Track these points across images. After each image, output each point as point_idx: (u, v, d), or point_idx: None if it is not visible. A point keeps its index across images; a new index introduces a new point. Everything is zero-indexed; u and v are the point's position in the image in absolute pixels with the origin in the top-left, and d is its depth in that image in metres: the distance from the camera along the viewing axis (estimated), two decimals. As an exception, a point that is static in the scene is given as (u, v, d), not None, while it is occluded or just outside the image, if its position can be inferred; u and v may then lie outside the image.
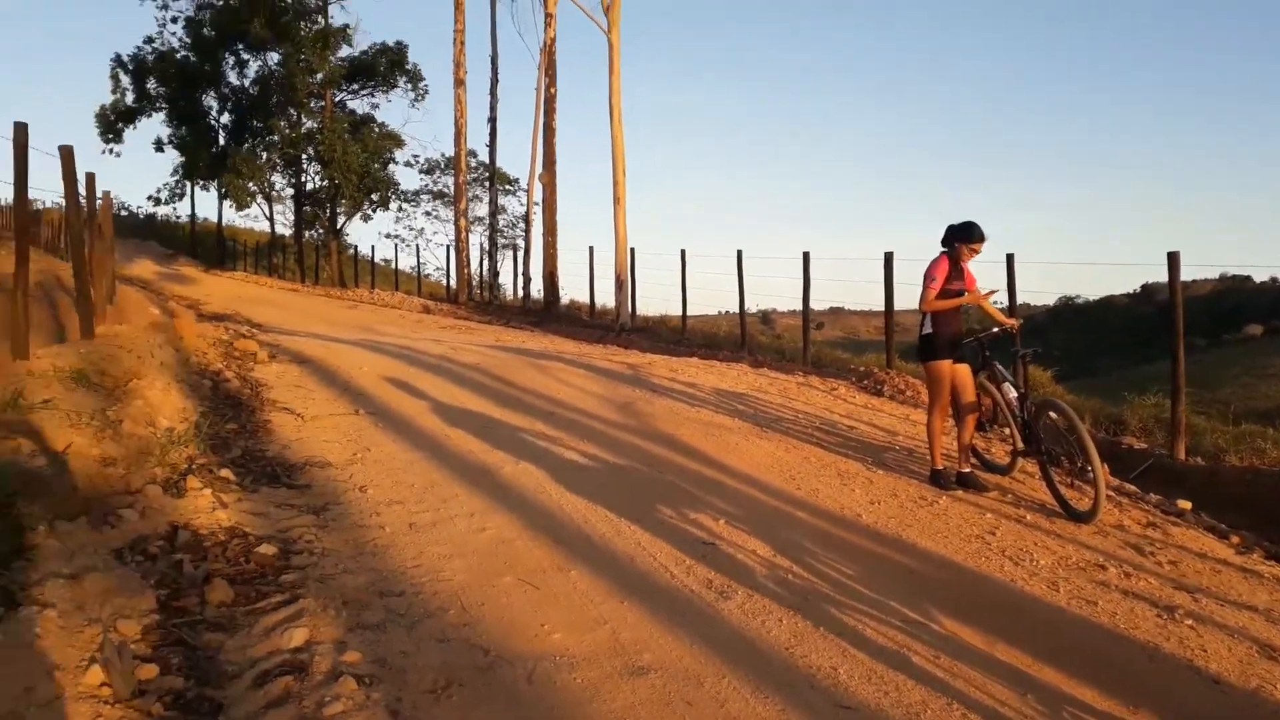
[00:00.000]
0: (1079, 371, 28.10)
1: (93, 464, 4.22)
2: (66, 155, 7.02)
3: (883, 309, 11.03)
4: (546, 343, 14.05)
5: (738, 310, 15.07)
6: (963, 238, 5.59)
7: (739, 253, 14.35)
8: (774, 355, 12.77)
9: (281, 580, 3.69)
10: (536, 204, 25.72)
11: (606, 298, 19.90)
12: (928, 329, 5.66)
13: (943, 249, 5.72)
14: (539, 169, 23.77)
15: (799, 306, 13.07)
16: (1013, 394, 5.55)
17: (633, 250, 18.74)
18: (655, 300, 32.55)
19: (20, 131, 5.79)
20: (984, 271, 7.56)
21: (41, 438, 4.53)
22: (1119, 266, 62.70)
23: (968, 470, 5.62)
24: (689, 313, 16.65)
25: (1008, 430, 5.75)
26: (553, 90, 22.35)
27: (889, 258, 10.81)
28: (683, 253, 16.13)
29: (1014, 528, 4.84)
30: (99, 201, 9.94)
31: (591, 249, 20.17)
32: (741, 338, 14.55)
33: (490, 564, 4.12)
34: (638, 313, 18.85)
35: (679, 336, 15.94)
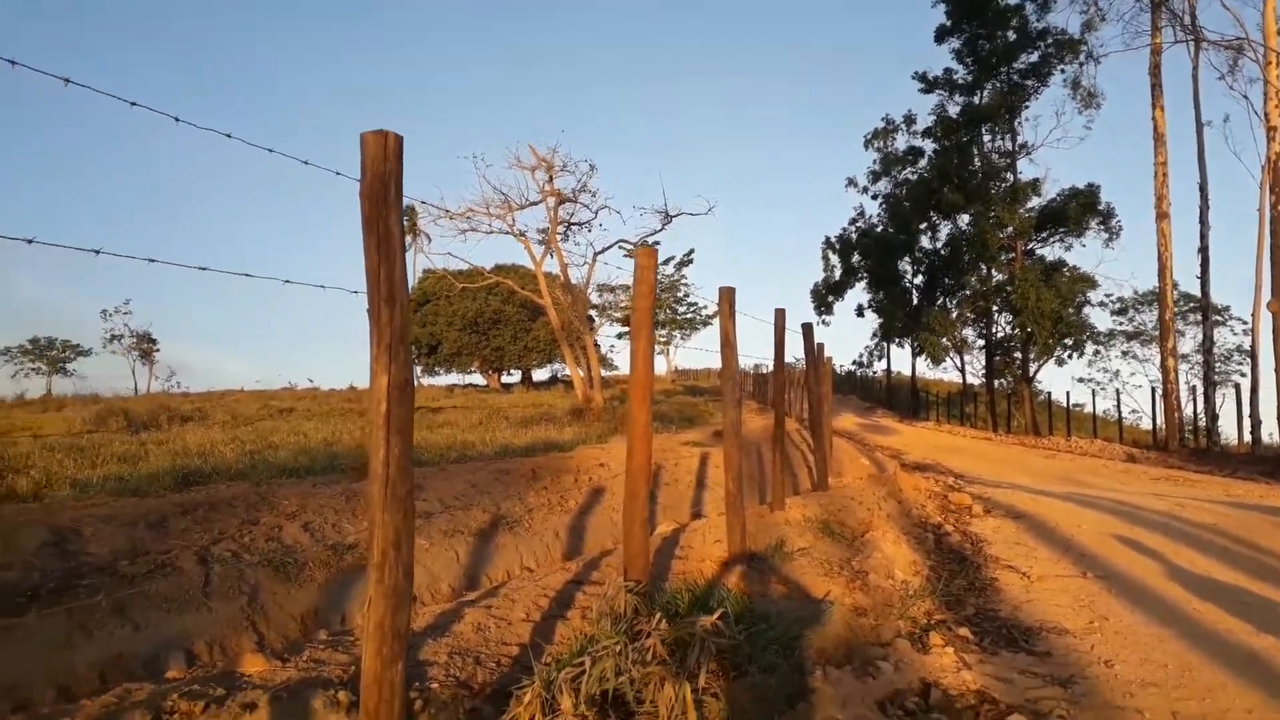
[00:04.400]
0: None
1: (848, 612, 4.56)
2: (807, 330, 8.16)
3: None
4: (1294, 498, 11.46)
5: None
6: None
7: None
8: None
9: (1040, 760, 3.44)
10: (1262, 335, 22.16)
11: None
12: None
13: None
14: (1265, 296, 20.63)
15: None
16: None
17: None
18: None
19: (779, 316, 6.90)
20: None
21: (803, 584, 5.08)
22: None
23: None
24: None
25: None
26: (1280, 208, 19.45)
27: None
28: None
29: None
30: (824, 366, 11.31)
31: (1352, 383, 16.40)
32: None
33: (1289, 778, 3.30)
34: None
35: None
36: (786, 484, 8.55)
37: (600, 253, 25.94)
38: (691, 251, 54.23)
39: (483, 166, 52.77)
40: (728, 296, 6.03)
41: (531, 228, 26.99)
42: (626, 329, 53.24)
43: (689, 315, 57.69)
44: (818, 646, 4.04)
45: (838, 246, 40.20)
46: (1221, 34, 25.00)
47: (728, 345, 6.06)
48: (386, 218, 2.50)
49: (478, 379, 52.46)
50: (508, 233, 24.90)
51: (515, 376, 52.41)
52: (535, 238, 25.76)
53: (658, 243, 28.34)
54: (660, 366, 63.38)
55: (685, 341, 59.73)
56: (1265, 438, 21.55)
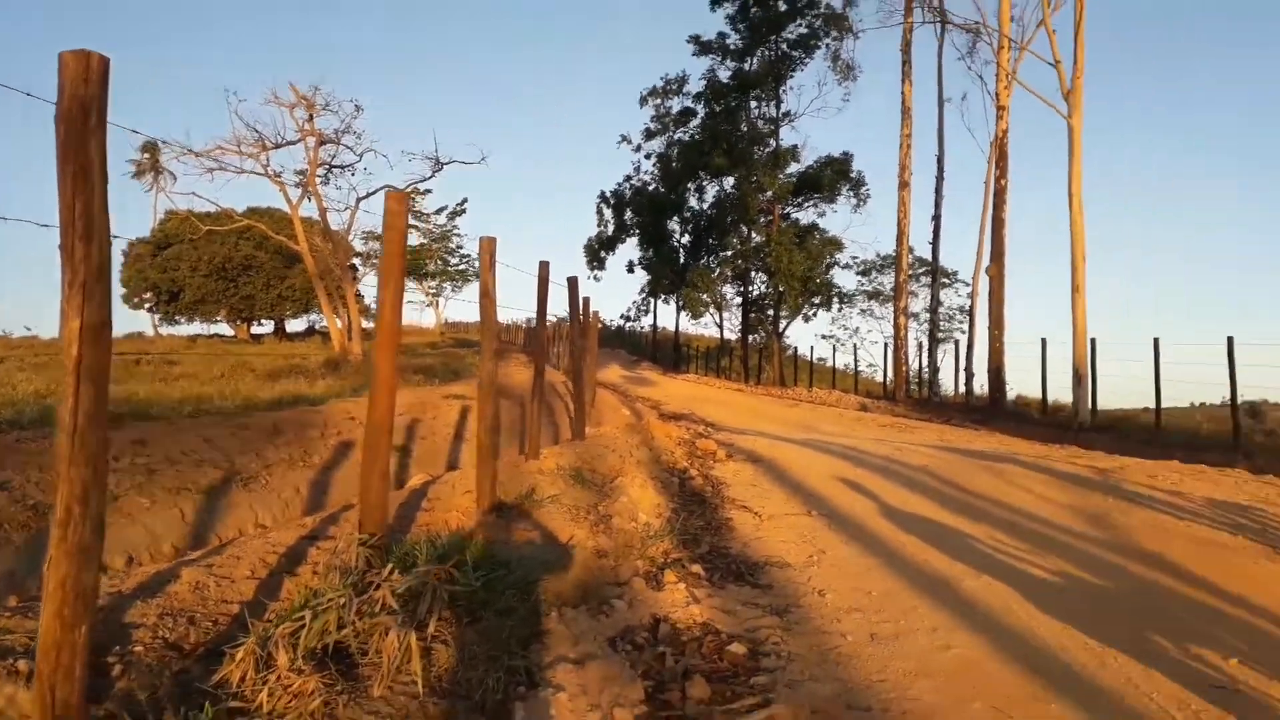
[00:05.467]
0: None
1: (590, 555, 4.71)
2: (572, 284, 8.23)
3: None
4: (995, 442, 13.12)
5: (1224, 403, 13.20)
6: None
7: (1229, 340, 12.41)
8: (1278, 457, 10.64)
9: (753, 682, 3.72)
10: (980, 296, 25.02)
11: (1059, 393, 18.53)
12: None
13: None
14: (985, 262, 23.24)
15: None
16: None
17: (1093, 341, 17.28)
18: (1115, 395, 29.33)
19: (543, 268, 6.91)
20: None
21: (549, 530, 5.18)
22: None
23: None
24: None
25: None
26: (1003, 182, 21.94)
27: None
28: (1156, 342, 14.47)
29: None
30: (589, 320, 11.48)
31: (1044, 340, 19.00)
32: (1234, 436, 12.44)
33: (959, 687, 3.78)
34: (1098, 409, 17.19)
35: (1149, 435, 14.08)
36: (546, 434, 8.65)
37: (364, 198, 24.62)
38: (465, 201, 52.81)
39: (235, 102, 48.41)
40: (488, 248, 5.95)
41: (289, 169, 25.14)
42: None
43: (461, 266, 56.45)
44: (555, 589, 4.14)
45: (612, 202, 40.63)
46: (965, 18, 27.47)
47: (487, 297, 6.00)
48: (85, 146, 2.29)
49: (225, 329, 48.68)
50: (261, 173, 23.15)
51: (268, 327, 49.08)
52: (292, 180, 24.13)
53: (429, 190, 27.38)
54: (430, 318, 61.78)
55: (457, 293, 58.54)
56: (977, 389, 24.27)
